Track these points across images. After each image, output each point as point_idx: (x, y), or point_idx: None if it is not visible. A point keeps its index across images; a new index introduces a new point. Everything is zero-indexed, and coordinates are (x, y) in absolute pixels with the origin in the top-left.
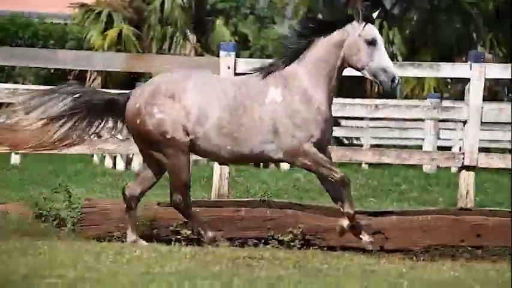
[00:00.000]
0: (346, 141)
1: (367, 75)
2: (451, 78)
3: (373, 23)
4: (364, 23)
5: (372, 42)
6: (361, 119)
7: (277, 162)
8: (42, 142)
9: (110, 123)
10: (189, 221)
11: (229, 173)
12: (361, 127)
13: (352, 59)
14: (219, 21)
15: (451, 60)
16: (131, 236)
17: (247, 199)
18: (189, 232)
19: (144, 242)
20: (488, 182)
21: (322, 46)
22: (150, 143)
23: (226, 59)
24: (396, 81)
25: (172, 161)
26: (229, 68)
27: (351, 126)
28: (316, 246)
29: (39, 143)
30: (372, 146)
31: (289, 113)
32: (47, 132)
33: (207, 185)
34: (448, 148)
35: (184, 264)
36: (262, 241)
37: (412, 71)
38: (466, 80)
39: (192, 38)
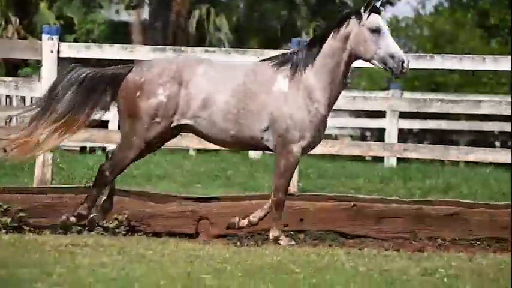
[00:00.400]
0: None
1: (377, 64)
2: None
3: (378, 12)
4: (368, 13)
5: (376, 31)
6: None
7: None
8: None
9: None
10: None
11: (52, 159)
12: None
13: (359, 50)
14: (43, 4)
15: (278, 47)
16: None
17: (71, 185)
18: (9, 220)
19: None
20: (310, 167)
21: (327, 43)
22: (131, 116)
23: (49, 42)
24: (406, 66)
25: (133, 137)
26: (52, 52)
27: None
28: (142, 233)
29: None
30: None
31: (290, 106)
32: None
33: (29, 172)
34: None
35: (3, 252)
36: (87, 228)
37: (237, 57)
38: None
39: (15, 20)
